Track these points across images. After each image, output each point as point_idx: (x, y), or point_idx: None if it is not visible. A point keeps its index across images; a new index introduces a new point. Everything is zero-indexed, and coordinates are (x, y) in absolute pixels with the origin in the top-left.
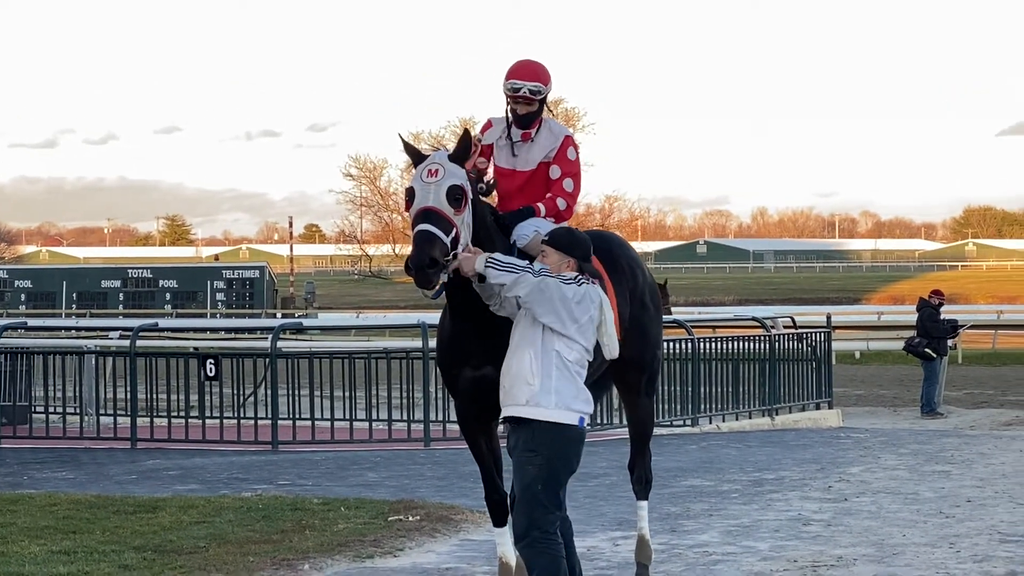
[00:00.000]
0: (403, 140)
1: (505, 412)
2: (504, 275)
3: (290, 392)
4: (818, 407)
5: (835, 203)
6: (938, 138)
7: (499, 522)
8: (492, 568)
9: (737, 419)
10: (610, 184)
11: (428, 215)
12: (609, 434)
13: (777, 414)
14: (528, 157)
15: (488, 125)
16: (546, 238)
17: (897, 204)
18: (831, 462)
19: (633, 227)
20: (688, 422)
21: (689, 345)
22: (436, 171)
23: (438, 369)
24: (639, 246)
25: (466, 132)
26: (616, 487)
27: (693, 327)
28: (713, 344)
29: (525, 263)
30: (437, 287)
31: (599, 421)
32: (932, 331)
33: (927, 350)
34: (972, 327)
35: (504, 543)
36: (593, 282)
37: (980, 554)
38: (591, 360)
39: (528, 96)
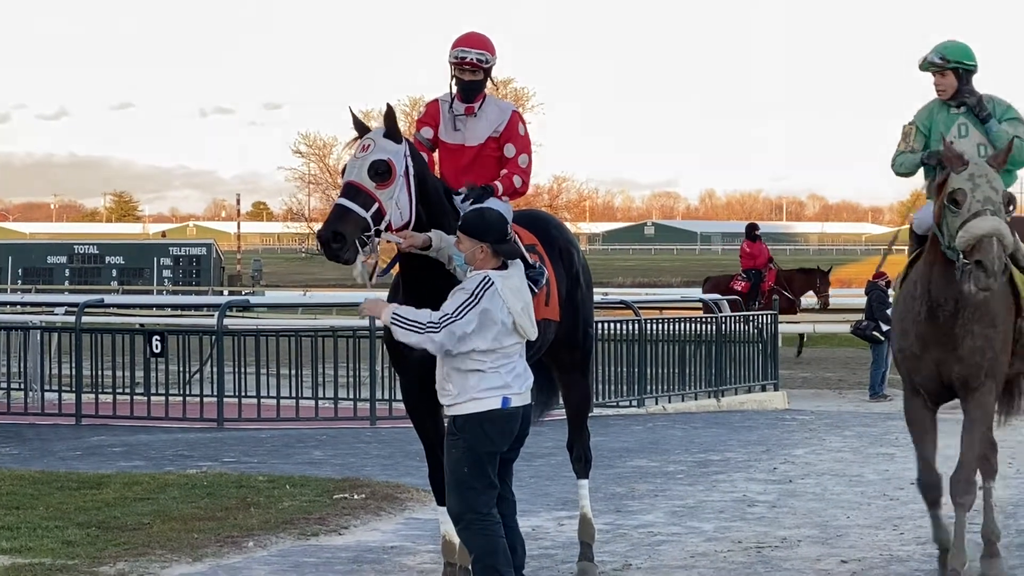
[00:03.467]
0: (353, 115)
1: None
2: (409, 335)
3: (236, 369)
4: (764, 389)
5: (784, 187)
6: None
7: (443, 500)
8: (436, 547)
9: (683, 400)
10: (559, 165)
11: (348, 189)
12: (555, 414)
13: (723, 396)
14: (474, 132)
15: (435, 104)
16: (459, 222)
17: (844, 188)
18: (776, 444)
19: (581, 208)
20: (634, 403)
21: (636, 326)
22: (368, 146)
23: (385, 348)
24: (587, 227)
25: (388, 108)
26: (561, 467)
27: (640, 308)
28: (660, 325)
29: (427, 317)
30: (384, 266)
31: None
32: (880, 314)
33: (875, 333)
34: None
35: (447, 521)
36: (536, 261)
37: (924, 536)
38: (531, 340)
39: (475, 63)
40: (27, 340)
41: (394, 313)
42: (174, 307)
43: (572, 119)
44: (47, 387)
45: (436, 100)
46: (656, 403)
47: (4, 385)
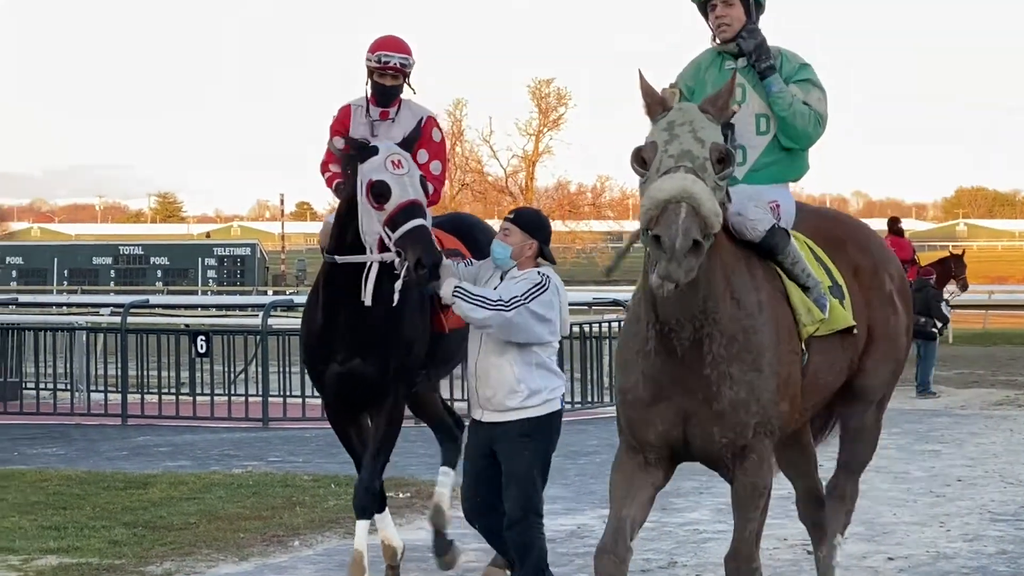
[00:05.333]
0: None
1: (489, 417)
2: (476, 310)
3: (281, 369)
4: None
5: (827, 184)
6: (930, 118)
7: (366, 514)
8: (482, 545)
9: None
10: (602, 165)
11: (419, 209)
12: (599, 412)
13: None
14: (390, 137)
15: (347, 111)
16: (511, 215)
17: (888, 184)
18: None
19: (624, 206)
20: None
21: None
22: (400, 162)
23: (304, 362)
24: (631, 225)
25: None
26: (606, 465)
27: None
28: None
29: (495, 295)
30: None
31: (590, 400)
32: (936, 311)
33: (933, 329)
34: (962, 307)
35: (386, 525)
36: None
37: (971, 533)
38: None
39: (398, 68)
40: (73, 341)
41: (456, 287)
42: (219, 307)
43: (617, 118)
44: (93, 388)
45: (348, 105)
46: None
47: (51, 386)
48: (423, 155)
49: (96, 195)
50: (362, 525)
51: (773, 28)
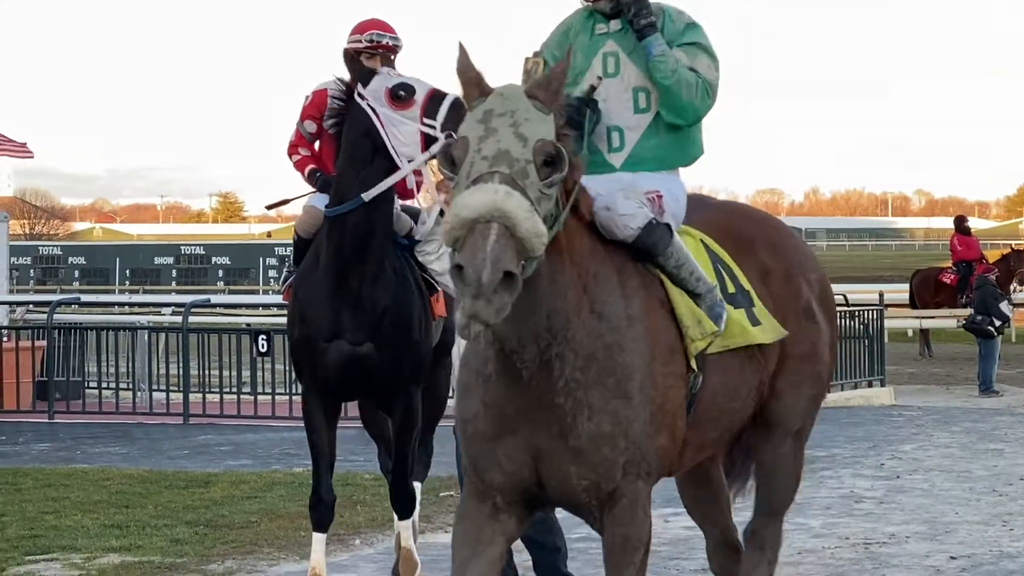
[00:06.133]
0: None
1: None
2: None
3: None
4: (870, 385)
5: (889, 182)
6: (992, 114)
7: (324, 527)
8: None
9: None
10: None
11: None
12: None
13: (829, 392)
14: None
15: (323, 94)
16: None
17: (951, 182)
18: (883, 440)
19: None
20: None
21: None
22: (402, 75)
23: (294, 337)
24: None
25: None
26: None
27: None
28: None
29: None
30: None
31: None
32: (994, 308)
33: (990, 328)
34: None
35: (321, 550)
36: None
37: None
38: None
39: (389, 46)
40: (135, 340)
41: None
42: (280, 307)
43: None
44: (155, 387)
45: (324, 90)
46: None
47: (113, 385)
48: None
49: (158, 195)
50: (404, 524)
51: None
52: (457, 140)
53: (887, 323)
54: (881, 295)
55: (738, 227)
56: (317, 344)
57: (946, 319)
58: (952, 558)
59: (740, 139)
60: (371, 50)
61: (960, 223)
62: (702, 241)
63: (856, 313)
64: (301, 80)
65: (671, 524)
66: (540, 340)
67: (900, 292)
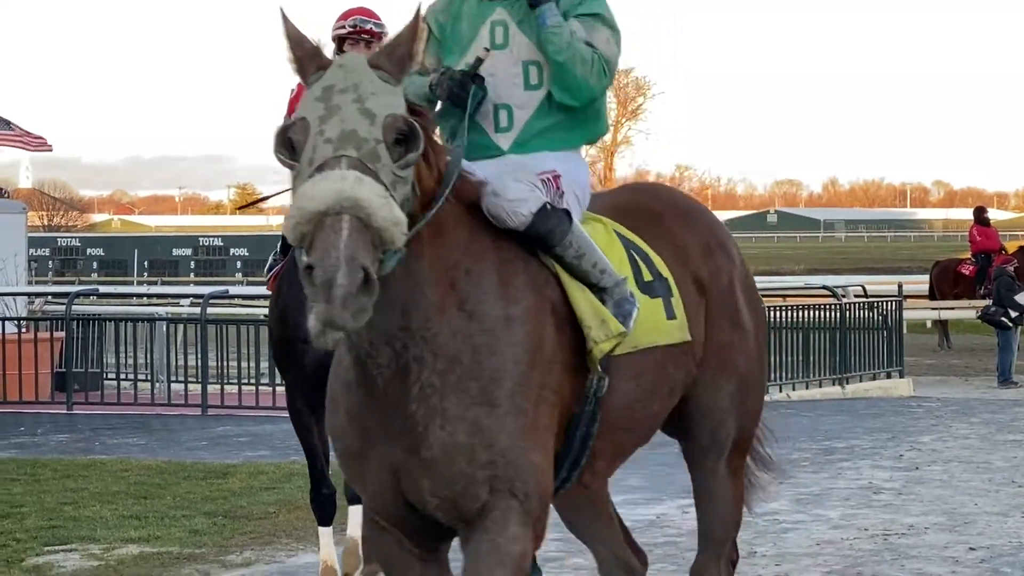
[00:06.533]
0: None
1: None
2: None
3: None
4: (889, 376)
5: (907, 173)
6: (1012, 104)
7: (328, 520)
8: (563, 534)
9: (807, 388)
10: (680, 154)
11: None
12: None
13: (848, 383)
14: None
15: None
16: None
17: (970, 173)
18: (902, 431)
19: (703, 197)
20: None
21: None
22: None
23: (275, 338)
24: None
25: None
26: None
27: (763, 296)
28: (783, 313)
29: None
30: None
31: None
32: (1008, 300)
33: (1003, 319)
34: None
35: (329, 543)
36: None
37: None
38: None
39: (373, 32)
40: (153, 331)
41: None
42: None
43: (694, 107)
44: (173, 378)
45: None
46: (780, 391)
47: (131, 376)
48: None
49: (176, 187)
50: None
51: None
52: (295, 121)
53: (906, 314)
54: (900, 286)
55: (644, 202)
56: (295, 345)
57: (965, 310)
58: (971, 549)
59: (758, 130)
60: (355, 36)
61: (980, 214)
62: (614, 230)
63: (875, 304)
64: None
65: (689, 515)
66: (395, 342)
67: (919, 283)
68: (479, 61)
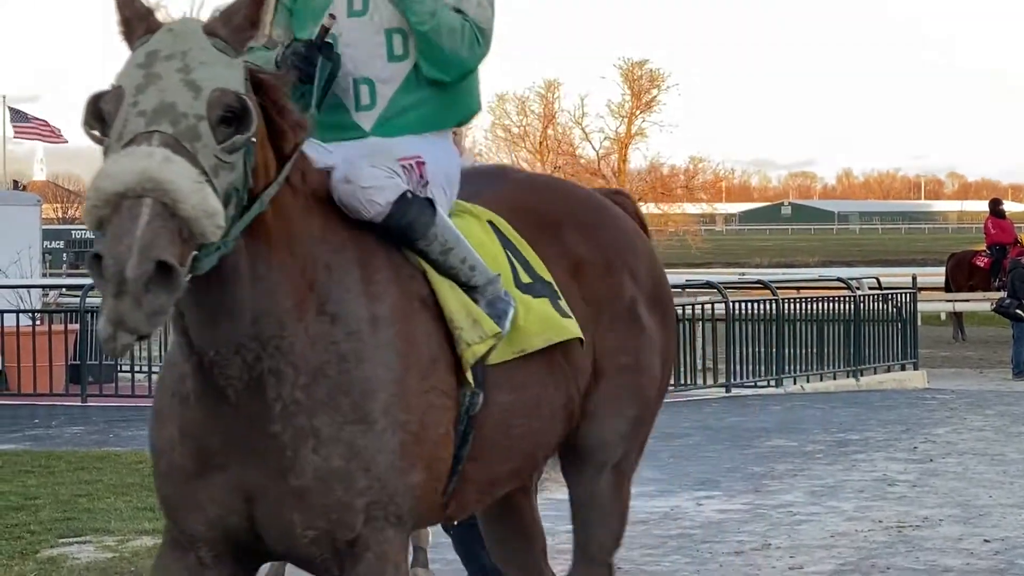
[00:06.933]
0: None
1: None
2: None
3: None
4: (903, 368)
5: (922, 165)
6: None
7: None
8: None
9: (821, 380)
10: (695, 146)
11: None
12: (692, 394)
13: (862, 375)
14: None
15: None
16: None
17: (984, 165)
18: (916, 423)
19: (718, 189)
20: (772, 382)
21: (773, 306)
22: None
23: None
24: (724, 207)
25: None
26: (699, 447)
27: (777, 288)
28: (797, 305)
29: None
30: None
31: (683, 382)
32: (1020, 291)
33: (1018, 311)
34: None
35: None
36: None
37: None
38: None
39: None
40: (167, 324)
41: None
42: None
43: (708, 100)
44: None
45: None
46: (794, 383)
47: (146, 368)
48: None
49: None
50: None
51: None
52: (108, 89)
53: (920, 306)
54: (914, 278)
55: (542, 205)
56: None
57: (979, 302)
58: (986, 541)
59: (773, 121)
60: None
61: (995, 206)
62: (490, 223)
63: (889, 296)
64: None
65: (704, 507)
66: (246, 352)
67: (933, 275)
68: (324, 30)
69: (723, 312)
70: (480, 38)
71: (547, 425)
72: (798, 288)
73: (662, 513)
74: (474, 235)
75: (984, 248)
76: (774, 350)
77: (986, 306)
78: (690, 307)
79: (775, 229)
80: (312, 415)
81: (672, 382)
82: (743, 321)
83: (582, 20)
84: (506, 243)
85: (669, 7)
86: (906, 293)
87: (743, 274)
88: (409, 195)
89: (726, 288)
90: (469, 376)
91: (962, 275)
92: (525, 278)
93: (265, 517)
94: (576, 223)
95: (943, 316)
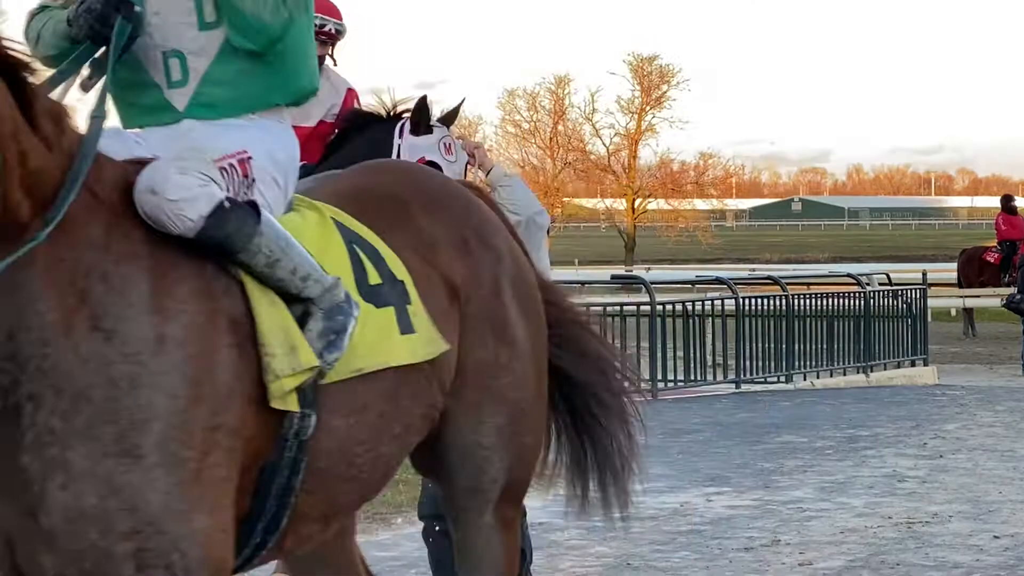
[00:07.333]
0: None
1: None
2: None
3: None
4: (913, 364)
5: (932, 161)
6: None
7: None
8: (585, 524)
9: (832, 376)
10: (705, 141)
11: None
12: (702, 390)
13: (872, 371)
14: (306, 112)
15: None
16: None
17: (994, 161)
18: (926, 419)
19: (728, 184)
20: (782, 378)
21: (783, 302)
22: (451, 147)
23: None
24: (734, 203)
25: (422, 99)
26: (708, 443)
27: (787, 284)
28: (807, 301)
29: None
30: None
31: (693, 378)
32: None
33: None
34: None
35: None
36: None
37: None
38: None
39: (331, 34)
40: None
41: None
42: None
43: (719, 96)
44: None
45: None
46: (804, 379)
47: None
48: None
49: None
50: None
51: None
52: None
53: (930, 302)
54: (924, 274)
55: (386, 186)
56: None
57: (990, 298)
58: (995, 537)
59: (783, 117)
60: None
61: (1007, 202)
62: (333, 219)
63: (899, 292)
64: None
65: (713, 503)
66: (2, 375)
67: (943, 271)
68: None
69: (733, 308)
70: (285, 1)
71: (399, 446)
72: (808, 284)
73: (672, 509)
74: (311, 235)
75: (995, 244)
76: (784, 346)
77: (997, 302)
78: (700, 303)
79: (785, 225)
80: (66, 446)
81: (682, 378)
82: (753, 317)
83: (593, 14)
84: (352, 238)
85: (681, 2)
86: (916, 289)
87: (753, 270)
88: (227, 204)
89: (736, 284)
90: (291, 402)
91: (973, 271)
92: (374, 278)
93: (23, 562)
94: (424, 200)
95: (953, 312)
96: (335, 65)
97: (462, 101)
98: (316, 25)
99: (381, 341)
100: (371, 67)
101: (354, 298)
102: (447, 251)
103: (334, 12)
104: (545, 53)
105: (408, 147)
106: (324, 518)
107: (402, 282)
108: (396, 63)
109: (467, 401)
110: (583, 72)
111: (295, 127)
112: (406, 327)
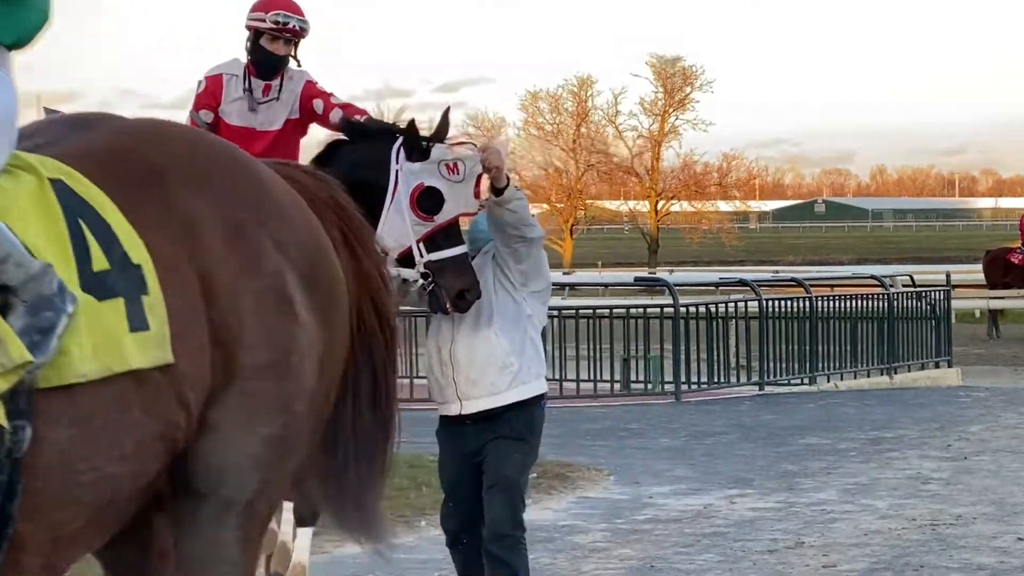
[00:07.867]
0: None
1: (474, 407)
2: (524, 204)
3: (407, 350)
4: (937, 366)
5: (956, 162)
6: None
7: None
8: (609, 525)
9: (855, 377)
10: (728, 143)
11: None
12: (726, 392)
13: (896, 373)
14: (271, 115)
15: (218, 80)
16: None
17: (1018, 162)
18: (950, 421)
19: (751, 186)
20: (806, 380)
21: (807, 303)
22: (456, 167)
23: None
24: (757, 205)
25: (411, 123)
26: (732, 445)
27: (811, 286)
28: (831, 302)
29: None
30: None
31: (716, 380)
32: None
33: None
34: None
35: (306, 546)
36: None
37: None
38: None
39: (295, 31)
40: None
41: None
42: None
43: (743, 97)
44: None
45: (219, 75)
46: (828, 380)
47: None
48: (319, 104)
49: None
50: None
51: None
52: None
53: (954, 303)
54: (948, 276)
55: (142, 153)
56: None
57: (1014, 300)
58: (1020, 539)
59: (806, 119)
60: (275, 32)
61: None
62: (58, 181)
63: (923, 294)
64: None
65: (737, 505)
66: None
67: (967, 272)
68: None
69: (756, 310)
70: None
71: (132, 467)
72: (832, 286)
73: (695, 511)
74: (21, 205)
75: (1019, 245)
76: (808, 348)
77: (1021, 303)
78: (724, 305)
79: (809, 227)
80: None
81: (705, 380)
82: (777, 319)
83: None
84: (81, 210)
85: (704, 3)
86: (940, 290)
87: (777, 272)
88: None
89: (760, 286)
90: None
91: (997, 272)
92: (100, 263)
93: None
94: (186, 173)
95: (977, 313)
96: (299, 66)
97: (447, 110)
98: (279, 22)
99: (106, 340)
100: (394, 67)
101: (70, 289)
102: (211, 235)
103: (297, 9)
104: (568, 54)
105: (405, 174)
106: (50, 548)
107: (139, 267)
108: (419, 65)
109: (236, 408)
110: (606, 74)
111: (258, 131)
112: (139, 323)
